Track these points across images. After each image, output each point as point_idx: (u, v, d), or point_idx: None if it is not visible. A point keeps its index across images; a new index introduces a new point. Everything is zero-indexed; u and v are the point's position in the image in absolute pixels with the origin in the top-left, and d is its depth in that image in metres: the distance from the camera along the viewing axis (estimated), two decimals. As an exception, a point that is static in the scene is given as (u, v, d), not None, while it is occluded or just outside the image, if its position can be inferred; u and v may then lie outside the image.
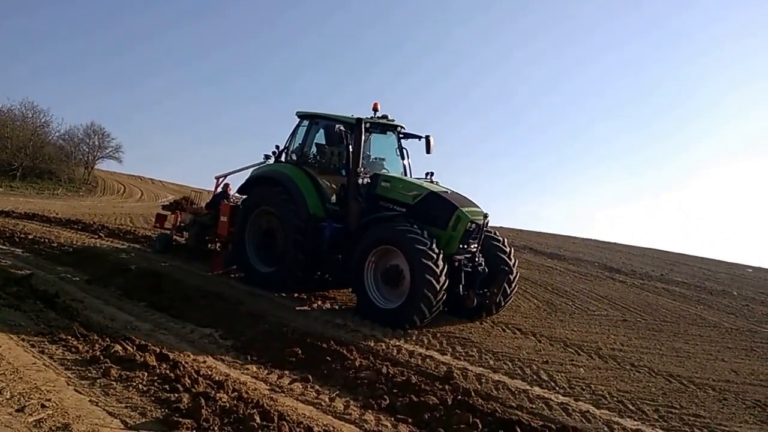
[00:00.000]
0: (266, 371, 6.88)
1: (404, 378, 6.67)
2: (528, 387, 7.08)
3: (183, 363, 6.37)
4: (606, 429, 6.06)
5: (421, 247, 8.82)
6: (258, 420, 5.00)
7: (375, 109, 11.03)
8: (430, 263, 8.74)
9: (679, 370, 8.51)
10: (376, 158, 11.41)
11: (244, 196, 11.89)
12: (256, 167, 12.14)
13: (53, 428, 4.52)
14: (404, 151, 11.76)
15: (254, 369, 6.92)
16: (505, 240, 10.67)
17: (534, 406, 6.44)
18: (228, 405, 5.26)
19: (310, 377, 6.67)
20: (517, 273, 10.49)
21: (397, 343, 8.29)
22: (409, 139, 11.87)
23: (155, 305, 9.32)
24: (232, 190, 13.44)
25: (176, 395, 5.39)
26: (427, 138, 11.71)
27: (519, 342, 9.10)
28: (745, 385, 8.12)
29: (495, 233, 10.68)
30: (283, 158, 11.79)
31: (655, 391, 7.46)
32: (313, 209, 10.49)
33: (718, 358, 9.50)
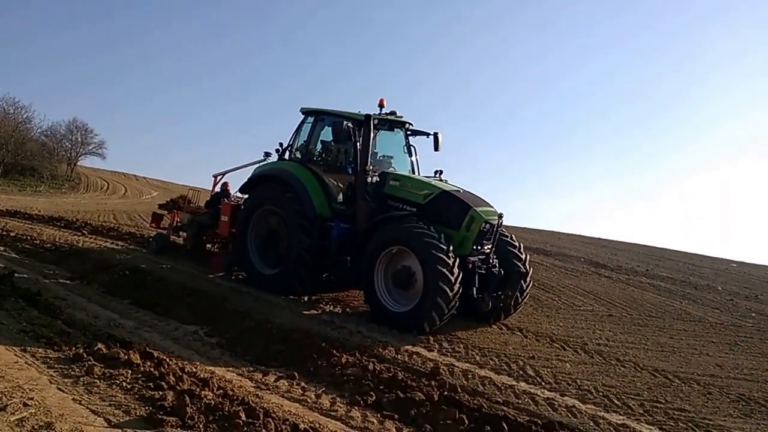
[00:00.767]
0: (251, 368, 6.84)
1: (391, 374, 6.67)
2: (514, 382, 7.10)
3: (167, 360, 6.31)
4: (592, 424, 6.08)
5: (436, 249, 8.50)
6: (243, 417, 4.96)
7: (381, 106, 10.61)
8: (444, 265, 8.43)
9: (664, 364, 8.57)
10: (384, 156, 11.02)
11: (246, 195, 11.52)
12: (259, 165, 11.83)
13: (36, 427, 4.45)
14: (412, 148, 11.47)
15: (239, 366, 6.88)
16: (517, 240, 10.29)
17: (520, 402, 6.46)
18: (213, 402, 5.22)
19: (296, 374, 6.64)
20: (531, 274, 10.11)
21: (384, 340, 8.28)
22: (417, 136, 11.52)
23: (139, 303, 9.26)
24: (232, 189, 13.14)
25: (160, 393, 5.34)
26: (436, 135, 11.34)
27: (505, 338, 9.12)
28: (729, 379, 8.20)
29: (507, 233, 10.26)
30: (286, 156, 11.42)
31: (641, 385, 7.50)
32: (319, 209, 10.13)
33: (703, 352, 9.58)
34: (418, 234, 8.73)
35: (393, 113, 10.87)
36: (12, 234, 14.67)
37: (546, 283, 14.54)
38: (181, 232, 13.98)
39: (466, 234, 9.23)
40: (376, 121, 10.33)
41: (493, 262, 9.56)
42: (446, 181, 10.63)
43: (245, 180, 11.48)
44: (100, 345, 6.49)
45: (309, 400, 5.95)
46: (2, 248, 12.96)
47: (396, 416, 5.73)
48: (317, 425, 5.19)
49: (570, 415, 6.24)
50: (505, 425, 5.60)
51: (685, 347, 9.79)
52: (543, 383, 7.18)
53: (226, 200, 12.64)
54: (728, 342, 10.57)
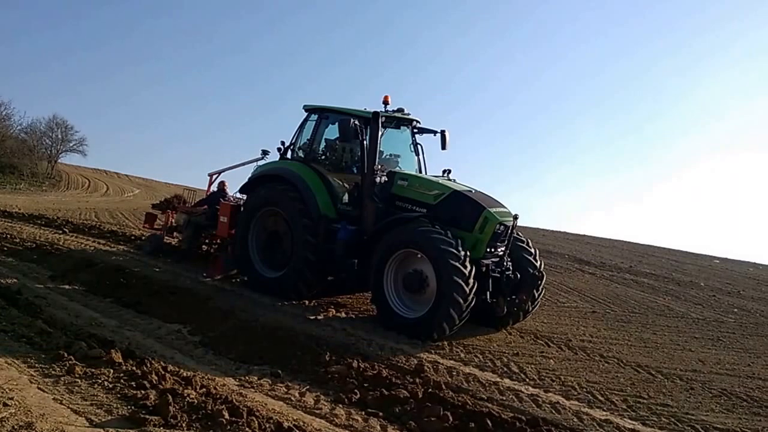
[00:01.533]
0: (235, 367, 6.81)
1: (375, 372, 6.65)
2: (498, 379, 7.12)
3: (150, 359, 6.26)
4: (575, 420, 6.11)
5: (452, 258, 8.15)
6: (227, 416, 4.93)
7: (386, 103, 10.10)
8: (460, 276, 8.10)
9: (647, 360, 8.63)
10: (390, 155, 10.60)
11: (245, 196, 11.13)
12: (260, 164, 11.46)
13: (16, 427, 4.39)
14: (419, 147, 11.07)
15: (223, 365, 6.85)
16: (530, 241, 9.93)
17: (504, 398, 6.47)
18: (196, 401, 5.18)
19: (280, 372, 6.62)
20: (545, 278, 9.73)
21: (369, 337, 8.25)
22: (423, 135, 11.12)
23: (121, 301, 9.18)
24: (229, 188, 12.77)
25: (143, 392, 5.30)
26: (443, 133, 10.92)
27: (489, 334, 9.13)
28: (712, 374, 8.28)
29: (519, 234, 9.79)
30: (288, 155, 10.98)
31: (624, 381, 7.56)
32: (324, 209, 9.78)
33: (686, 348, 9.67)
34: (435, 239, 8.36)
35: (400, 110, 10.49)
36: (-9, 232, 14.46)
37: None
38: (175, 233, 13.63)
39: (479, 236, 8.88)
40: (384, 119, 9.94)
41: (507, 264, 9.22)
42: (455, 180, 10.26)
43: (244, 179, 11.12)
44: (81, 344, 6.45)
45: (293, 398, 5.93)
46: (-19, 247, 12.78)
47: (380, 414, 5.73)
48: (301, 423, 5.16)
49: (554, 411, 6.26)
50: (489, 422, 5.61)
51: (668, 343, 9.88)
52: (527, 380, 7.21)
53: (222, 200, 12.21)
54: (710, 337, 10.68)
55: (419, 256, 8.58)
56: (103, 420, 4.76)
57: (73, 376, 5.59)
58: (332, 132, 10.48)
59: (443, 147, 11.00)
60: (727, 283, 19.52)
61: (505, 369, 7.51)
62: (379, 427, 5.47)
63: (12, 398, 4.88)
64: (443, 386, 6.47)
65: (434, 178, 10.00)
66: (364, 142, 9.74)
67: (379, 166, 9.73)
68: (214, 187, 13.21)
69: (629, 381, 7.58)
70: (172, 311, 8.74)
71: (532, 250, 9.71)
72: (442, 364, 7.45)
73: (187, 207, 13.94)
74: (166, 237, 13.75)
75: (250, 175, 11.18)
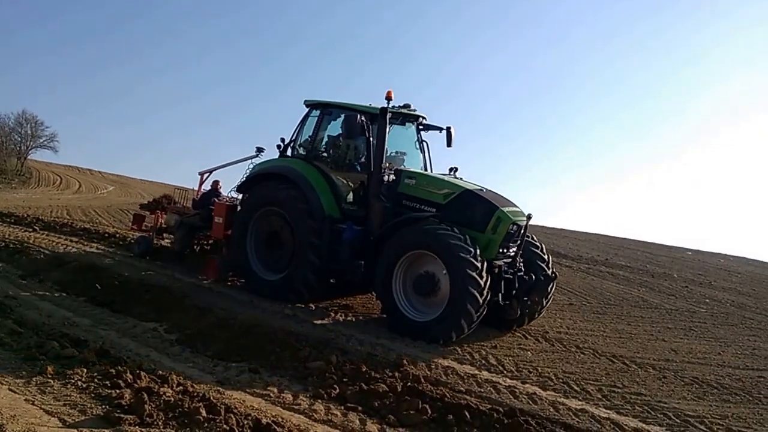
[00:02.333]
0: (213, 364, 6.75)
1: (354, 367, 6.64)
2: (477, 372, 7.16)
3: (124, 358, 6.19)
4: (552, 410, 6.17)
5: (463, 251, 7.94)
6: (204, 413, 4.89)
7: (389, 98, 9.34)
8: (473, 269, 7.87)
9: (621, 350, 8.76)
10: (396, 152, 10.18)
11: (242, 195, 10.80)
12: (258, 163, 11.07)
13: (-15, 429, 4.31)
14: (424, 144, 10.73)
15: (200, 362, 6.77)
16: (540, 242, 9.80)
17: (482, 390, 6.52)
18: (173, 399, 5.13)
19: (259, 368, 6.58)
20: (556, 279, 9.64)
21: (347, 332, 8.24)
22: (428, 131, 10.76)
23: (95, 300, 9.02)
24: (223, 188, 12.28)
25: (117, 391, 5.23)
26: (449, 129, 10.55)
27: (468, 328, 9.15)
28: (684, 363, 8.44)
29: (530, 235, 9.52)
30: (288, 152, 10.57)
31: (599, 371, 7.66)
32: (328, 209, 9.45)
33: (659, 338, 9.83)
34: (443, 236, 8.17)
35: (407, 106, 10.14)
36: (-41, 231, 14.15)
37: (507, 273, 14.65)
38: (165, 234, 13.24)
39: (492, 236, 8.62)
40: (390, 115, 9.48)
41: (519, 266, 9.01)
42: (462, 178, 9.94)
43: (236, 178, 10.78)
44: (53, 344, 6.34)
45: (272, 394, 5.90)
46: (-51, 246, 12.48)
47: (359, 408, 5.73)
48: (280, 419, 5.14)
49: (531, 402, 6.32)
50: (467, 414, 5.64)
51: (642, 333, 10.03)
52: (505, 372, 7.27)
53: (216, 200, 11.72)
54: (683, 327, 10.88)
55: (431, 257, 8.35)
56: (77, 420, 4.69)
57: (45, 376, 5.49)
58: (335, 128, 10.22)
59: (449, 144, 10.67)
60: (699, 274, 19.90)
61: (484, 361, 7.56)
62: (358, 422, 5.47)
63: (-18, 400, 4.79)
64: (422, 380, 6.50)
65: (443, 177, 9.71)
66: (371, 139, 9.45)
67: (387, 164, 9.46)
68: (206, 186, 12.73)
69: (604, 371, 7.69)
70: (147, 309, 8.61)
71: (542, 250, 9.58)
72: (421, 357, 7.46)
73: (177, 207, 13.54)
74: (156, 238, 13.29)
75: (247, 173, 10.86)
